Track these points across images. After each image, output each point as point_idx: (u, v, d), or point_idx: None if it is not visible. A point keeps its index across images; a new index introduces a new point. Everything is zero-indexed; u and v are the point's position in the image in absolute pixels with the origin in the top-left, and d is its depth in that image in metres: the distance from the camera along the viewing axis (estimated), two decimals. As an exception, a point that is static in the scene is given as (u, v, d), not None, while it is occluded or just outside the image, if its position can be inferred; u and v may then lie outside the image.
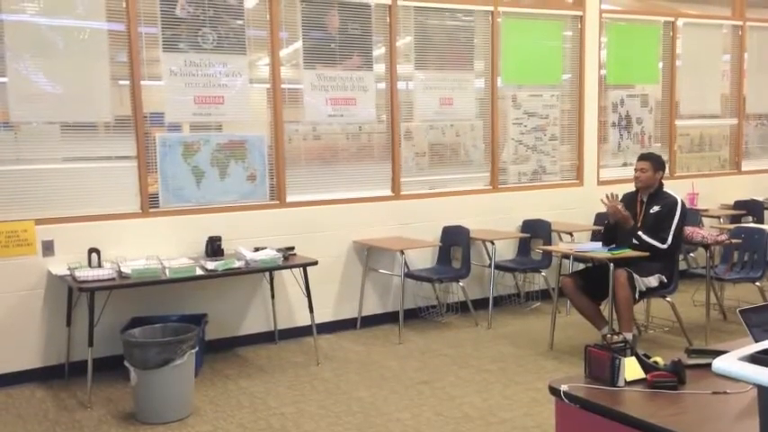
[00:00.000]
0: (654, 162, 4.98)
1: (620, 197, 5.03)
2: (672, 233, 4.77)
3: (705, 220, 6.90)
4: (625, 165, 7.11)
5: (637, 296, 4.79)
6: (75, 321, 4.73)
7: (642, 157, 5.05)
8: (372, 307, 5.89)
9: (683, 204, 4.90)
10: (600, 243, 5.17)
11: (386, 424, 3.94)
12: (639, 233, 4.78)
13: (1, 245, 4.59)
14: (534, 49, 6.59)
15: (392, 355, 5.13)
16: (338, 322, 5.72)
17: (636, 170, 5.02)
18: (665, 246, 4.75)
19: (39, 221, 4.68)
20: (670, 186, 5.10)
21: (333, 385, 4.56)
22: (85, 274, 4.37)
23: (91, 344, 4.28)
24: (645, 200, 4.98)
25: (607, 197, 4.94)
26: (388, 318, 5.87)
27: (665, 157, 7.36)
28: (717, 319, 5.77)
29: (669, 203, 4.87)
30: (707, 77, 7.67)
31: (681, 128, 7.53)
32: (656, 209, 4.89)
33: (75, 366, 4.70)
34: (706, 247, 5.27)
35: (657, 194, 4.96)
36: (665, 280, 4.87)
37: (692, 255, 6.70)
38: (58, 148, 4.82)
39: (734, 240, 5.49)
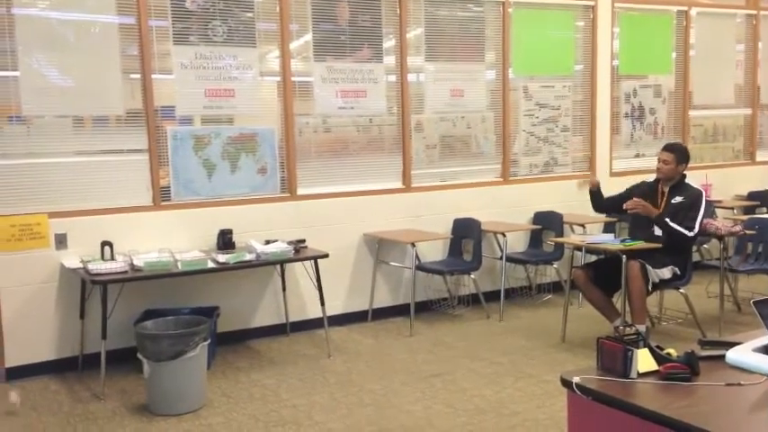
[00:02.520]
0: (678, 154, 4.89)
1: (638, 185, 5.02)
2: (698, 223, 4.72)
3: (719, 211, 6.84)
4: (638, 156, 7.07)
5: (650, 288, 4.76)
6: (88, 314, 4.76)
7: (667, 148, 4.95)
8: (383, 299, 5.89)
9: (705, 198, 4.85)
10: (612, 235, 5.13)
11: (397, 416, 3.95)
12: (667, 219, 4.71)
13: (14, 238, 4.62)
14: (546, 40, 6.54)
15: (403, 348, 5.13)
16: (349, 315, 5.73)
17: (659, 160, 4.92)
18: (691, 234, 4.69)
19: (52, 215, 4.71)
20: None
21: (344, 377, 4.57)
22: (98, 267, 4.39)
23: (104, 336, 4.32)
24: (666, 191, 4.92)
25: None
26: (399, 310, 5.87)
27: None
28: (731, 311, 5.73)
29: (694, 195, 4.81)
30: (720, 67, 7.59)
31: (694, 118, 7.47)
32: (678, 199, 4.82)
33: (89, 359, 4.73)
34: (720, 238, 5.23)
35: (680, 186, 4.89)
36: (679, 272, 4.84)
37: (705, 246, 6.65)
38: (70, 142, 4.84)
39: (748, 231, 5.45)
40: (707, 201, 4.89)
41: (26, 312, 4.69)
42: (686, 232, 4.69)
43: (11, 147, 4.65)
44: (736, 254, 5.86)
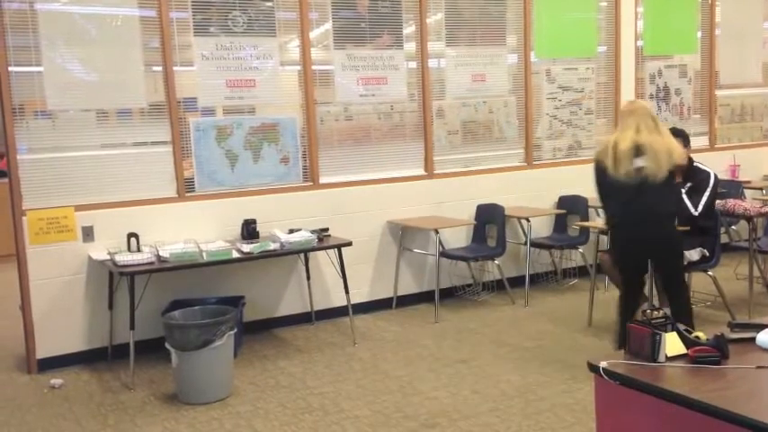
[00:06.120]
0: (683, 139, 4.76)
1: None
2: (703, 203, 4.65)
3: (747, 192, 6.73)
4: (663, 137, 6.96)
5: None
6: (116, 305, 4.83)
7: (673, 133, 4.86)
8: (408, 287, 5.89)
9: (716, 178, 4.77)
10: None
11: (423, 402, 3.96)
12: (682, 190, 4.67)
13: (42, 231, 4.68)
14: (568, 22, 6.45)
15: (428, 335, 5.14)
16: (374, 302, 5.74)
17: None
18: (695, 213, 4.63)
19: (78, 208, 4.76)
20: (709, 159, 4.97)
21: (370, 365, 4.58)
22: (125, 258, 4.45)
23: (132, 327, 4.37)
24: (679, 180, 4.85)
25: None
26: (424, 297, 5.87)
27: (704, 129, 7.24)
28: (760, 293, 5.65)
29: (703, 177, 4.75)
30: (747, 46, 7.44)
31: (721, 98, 7.34)
32: (689, 185, 4.78)
33: (118, 349, 4.80)
34: (748, 219, 5.15)
35: (689, 172, 4.82)
36: (708, 253, 4.78)
37: (734, 228, 6.55)
38: (95, 135, 4.89)
39: (777, 212, 5.36)
40: (718, 182, 4.79)
41: (56, 304, 4.76)
42: (691, 209, 4.64)
43: (37, 141, 4.70)
44: (765, 235, 5.77)
